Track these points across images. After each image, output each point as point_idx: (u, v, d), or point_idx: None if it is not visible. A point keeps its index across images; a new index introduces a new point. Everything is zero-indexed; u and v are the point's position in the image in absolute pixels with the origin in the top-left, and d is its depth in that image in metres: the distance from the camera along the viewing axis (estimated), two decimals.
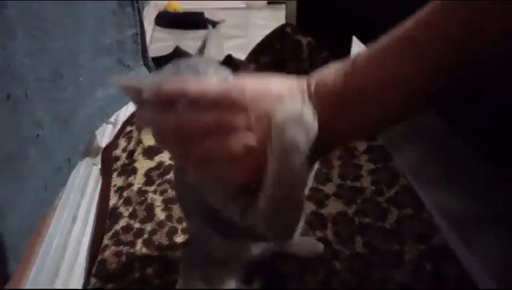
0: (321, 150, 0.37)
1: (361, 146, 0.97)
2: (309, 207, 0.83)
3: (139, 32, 1.01)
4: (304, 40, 1.25)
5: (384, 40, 0.38)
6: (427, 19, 0.35)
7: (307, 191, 0.43)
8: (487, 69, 0.34)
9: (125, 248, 0.77)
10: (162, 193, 0.87)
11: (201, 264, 0.61)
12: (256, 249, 0.61)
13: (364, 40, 1.23)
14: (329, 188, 0.88)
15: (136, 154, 0.98)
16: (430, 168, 0.97)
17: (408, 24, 0.36)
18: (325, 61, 1.21)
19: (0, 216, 0.60)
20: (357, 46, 1.35)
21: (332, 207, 0.84)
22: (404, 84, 0.35)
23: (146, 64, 1.07)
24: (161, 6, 2.34)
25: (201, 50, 0.48)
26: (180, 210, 0.63)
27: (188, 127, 0.37)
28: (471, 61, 0.33)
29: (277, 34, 1.28)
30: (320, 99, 0.38)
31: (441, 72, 0.34)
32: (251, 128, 0.36)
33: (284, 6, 1.50)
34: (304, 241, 0.75)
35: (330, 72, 0.40)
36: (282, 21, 1.37)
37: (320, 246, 0.75)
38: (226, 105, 0.36)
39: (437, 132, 1.05)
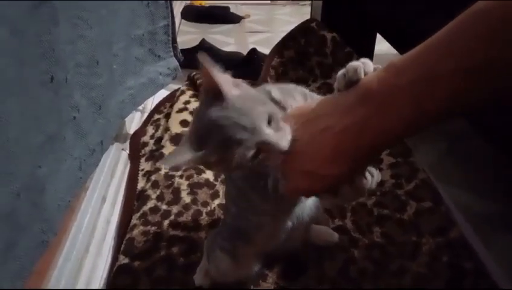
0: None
1: None
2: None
3: (170, 24, 1.04)
4: (329, 36, 1.27)
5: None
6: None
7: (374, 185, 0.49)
8: None
9: (153, 228, 0.81)
10: (188, 177, 0.91)
11: (232, 239, 0.64)
12: (284, 232, 0.64)
13: (387, 37, 1.24)
14: None
15: (163, 141, 1.02)
16: (450, 167, 0.99)
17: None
18: (348, 57, 1.23)
19: (41, 192, 0.64)
20: (380, 44, 1.36)
21: None
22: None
23: (175, 55, 1.11)
24: (187, 0, 2.38)
25: (215, 96, 0.47)
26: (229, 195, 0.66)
27: None
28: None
29: (302, 29, 1.30)
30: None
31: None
32: None
33: (307, 2, 1.52)
34: (320, 230, 0.78)
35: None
36: (305, 17, 1.39)
37: (335, 236, 0.78)
38: None
39: (458, 132, 1.05)
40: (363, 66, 0.45)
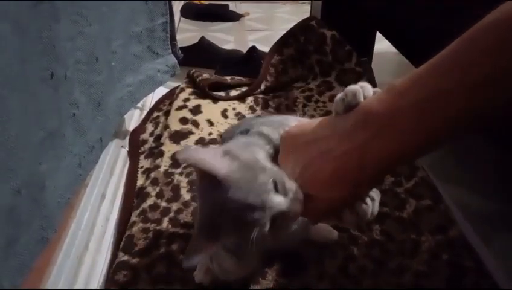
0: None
1: None
2: None
3: (168, 21, 1.04)
4: (328, 34, 1.27)
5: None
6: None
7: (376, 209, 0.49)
8: None
9: (152, 225, 0.81)
10: (188, 175, 0.91)
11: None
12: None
13: (387, 35, 1.24)
14: None
15: (163, 138, 1.02)
16: (450, 165, 0.99)
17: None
18: (348, 55, 1.24)
19: (41, 188, 0.64)
20: (379, 43, 1.36)
21: None
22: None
23: (174, 53, 1.11)
24: None
25: (211, 180, 0.46)
26: None
27: None
28: None
29: (302, 27, 1.30)
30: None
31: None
32: None
33: (307, 1, 1.51)
34: (320, 228, 0.78)
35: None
36: (305, 15, 1.39)
37: (335, 233, 0.78)
38: None
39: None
40: (362, 90, 0.43)
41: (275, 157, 0.53)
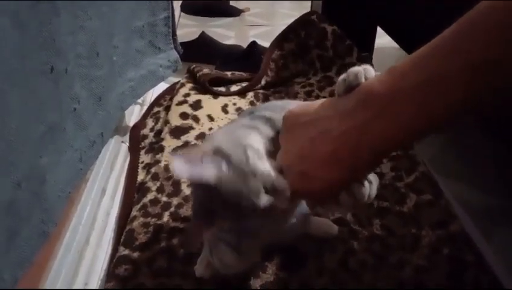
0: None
1: None
2: None
3: (170, 16, 1.04)
4: (329, 28, 1.26)
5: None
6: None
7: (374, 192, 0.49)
8: None
9: (153, 219, 0.81)
10: None
11: (235, 233, 0.64)
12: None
13: (388, 30, 1.24)
14: None
15: (163, 133, 1.02)
16: (451, 160, 0.99)
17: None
18: (349, 50, 1.23)
19: (42, 183, 0.64)
20: (380, 38, 1.36)
21: None
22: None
23: (175, 48, 1.11)
24: None
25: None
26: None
27: None
28: None
29: (302, 21, 1.30)
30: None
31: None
32: None
33: None
34: (320, 222, 0.78)
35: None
36: (306, 11, 1.38)
37: (335, 228, 0.78)
38: None
39: (458, 125, 1.06)
40: (364, 71, 0.44)
41: (276, 139, 0.53)
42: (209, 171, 0.47)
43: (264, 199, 0.47)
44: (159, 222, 0.80)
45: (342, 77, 0.45)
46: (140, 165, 0.98)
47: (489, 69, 0.35)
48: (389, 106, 0.39)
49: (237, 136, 0.53)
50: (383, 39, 1.35)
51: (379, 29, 1.32)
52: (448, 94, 0.36)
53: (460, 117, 0.39)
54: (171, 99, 1.19)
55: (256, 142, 0.52)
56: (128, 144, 1.06)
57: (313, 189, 0.48)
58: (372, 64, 0.47)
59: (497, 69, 0.34)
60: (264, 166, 0.50)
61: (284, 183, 0.49)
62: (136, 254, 0.75)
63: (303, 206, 0.64)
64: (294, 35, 1.29)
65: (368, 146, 0.42)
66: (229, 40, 1.81)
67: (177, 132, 1.02)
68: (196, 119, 1.07)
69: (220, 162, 0.48)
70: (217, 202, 0.48)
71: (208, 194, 0.48)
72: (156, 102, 1.21)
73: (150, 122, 1.13)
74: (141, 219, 0.81)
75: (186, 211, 0.82)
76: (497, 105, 0.37)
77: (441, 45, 0.37)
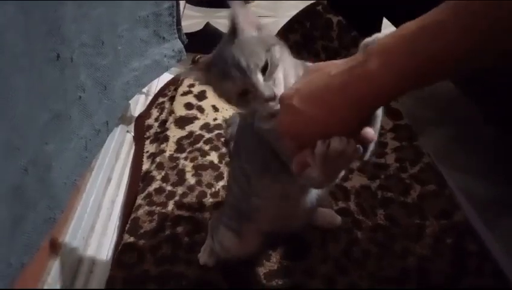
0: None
1: (387, 124, 0.99)
2: None
3: (174, 5, 1.04)
4: (335, 19, 1.25)
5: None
6: None
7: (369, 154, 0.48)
8: None
9: (158, 208, 0.81)
10: (193, 159, 0.91)
11: (235, 217, 0.64)
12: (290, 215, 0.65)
13: (394, 21, 1.23)
14: (353, 164, 0.90)
15: (168, 123, 1.03)
16: (455, 151, 0.98)
17: None
18: (354, 41, 1.22)
19: (48, 169, 0.64)
20: (386, 29, 1.35)
21: (356, 181, 0.86)
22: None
23: (180, 38, 1.10)
24: None
25: (233, 31, 0.51)
26: (234, 173, 0.67)
27: None
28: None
29: (308, 12, 1.29)
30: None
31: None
32: None
33: None
34: (324, 213, 0.78)
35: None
36: (311, 1, 1.37)
37: (339, 219, 0.78)
38: None
39: (463, 118, 1.05)
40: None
41: None
42: (247, 24, 0.51)
43: (257, 76, 0.48)
44: (163, 211, 0.81)
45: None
46: (145, 155, 0.98)
47: (482, 19, 0.35)
48: (383, 52, 0.41)
49: None
50: (388, 30, 1.33)
51: (385, 20, 1.31)
52: (441, 41, 0.37)
53: (453, 72, 0.40)
54: (175, 89, 1.19)
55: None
56: (133, 134, 1.07)
57: (295, 123, 0.47)
58: None
59: (490, 18, 0.35)
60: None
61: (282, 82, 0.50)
62: (140, 242, 0.76)
63: (312, 195, 0.64)
64: (300, 26, 1.29)
65: (352, 87, 0.42)
66: None
67: (181, 122, 1.02)
68: (201, 109, 1.07)
69: (259, 31, 0.52)
70: (218, 63, 0.51)
71: (217, 53, 0.52)
72: (161, 92, 1.21)
73: (154, 113, 1.13)
74: (146, 208, 0.81)
75: (191, 200, 0.83)
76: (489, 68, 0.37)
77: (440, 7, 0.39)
